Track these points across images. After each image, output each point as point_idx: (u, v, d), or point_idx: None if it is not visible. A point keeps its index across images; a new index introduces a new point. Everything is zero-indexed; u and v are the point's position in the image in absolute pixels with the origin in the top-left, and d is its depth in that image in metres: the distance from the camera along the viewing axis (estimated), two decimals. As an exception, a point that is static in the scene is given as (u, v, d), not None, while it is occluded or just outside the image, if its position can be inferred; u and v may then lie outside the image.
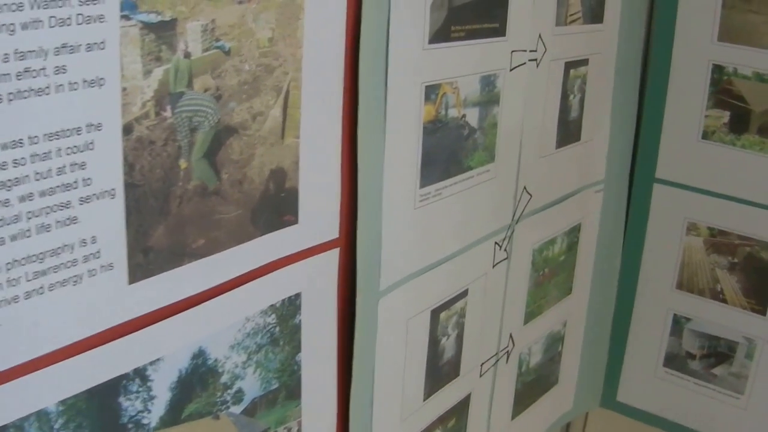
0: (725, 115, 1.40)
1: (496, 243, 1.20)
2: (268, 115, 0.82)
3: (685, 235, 1.48)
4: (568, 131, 1.32)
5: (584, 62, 1.32)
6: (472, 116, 1.08)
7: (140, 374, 0.77)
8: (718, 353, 1.50)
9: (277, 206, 0.86)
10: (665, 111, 1.44)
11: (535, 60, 1.18)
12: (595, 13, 1.31)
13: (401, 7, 0.90)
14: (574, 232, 1.42)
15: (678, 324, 1.52)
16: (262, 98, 0.81)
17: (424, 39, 0.95)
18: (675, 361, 1.54)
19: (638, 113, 1.47)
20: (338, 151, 0.90)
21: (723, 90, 1.39)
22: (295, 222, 0.88)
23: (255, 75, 0.79)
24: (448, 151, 1.05)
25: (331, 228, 0.93)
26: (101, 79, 0.66)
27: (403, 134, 0.96)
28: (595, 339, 1.55)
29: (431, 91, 0.99)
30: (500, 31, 1.09)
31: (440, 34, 0.98)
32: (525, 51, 1.15)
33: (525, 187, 1.24)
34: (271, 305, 0.88)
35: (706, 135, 1.42)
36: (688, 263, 1.49)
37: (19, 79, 0.60)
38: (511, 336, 1.31)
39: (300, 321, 0.92)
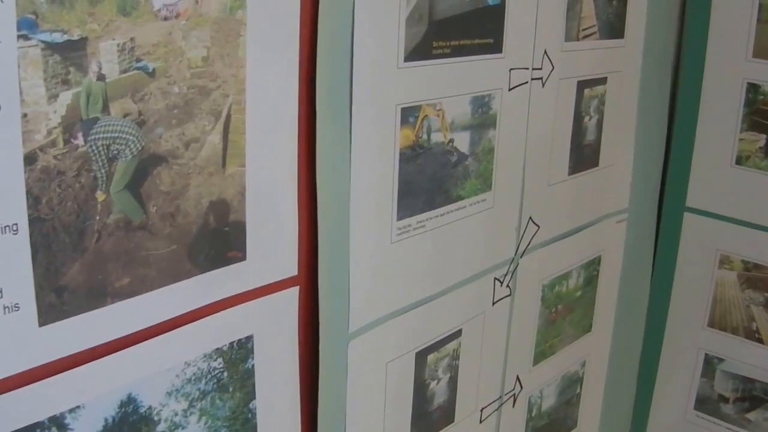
0: (761, 139, 1.28)
1: (496, 279, 1.11)
2: (205, 141, 0.74)
3: (717, 268, 1.37)
4: (584, 156, 1.21)
5: (602, 81, 1.21)
6: (462, 141, 0.98)
7: (57, 423, 0.70)
8: (753, 397, 1.38)
9: (219, 241, 0.78)
10: (696, 134, 1.33)
11: (540, 79, 1.08)
12: (613, 28, 1.20)
13: (368, 22, 0.82)
14: (593, 265, 1.31)
15: (710, 364, 1.41)
16: (196, 123, 0.73)
17: (398, 56, 0.87)
18: (706, 404, 1.43)
19: (667, 136, 1.35)
20: (294, 181, 0.82)
21: (758, 111, 1.27)
22: (243, 258, 0.80)
23: (187, 98, 0.71)
24: (432, 179, 0.95)
25: (287, 265, 0.85)
26: (-5, 104, 0.59)
27: (374, 161, 0.87)
28: (619, 380, 1.44)
29: (409, 114, 0.90)
30: (496, 48, 0.99)
31: (419, 51, 0.89)
32: (527, 69, 1.05)
33: (531, 218, 1.14)
34: (217, 349, 0.81)
35: (740, 160, 1.31)
36: (720, 299, 1.38)
37: None
38: (518, 378, 1.21)
39: (253, 365, 0.84)
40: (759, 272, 1.32)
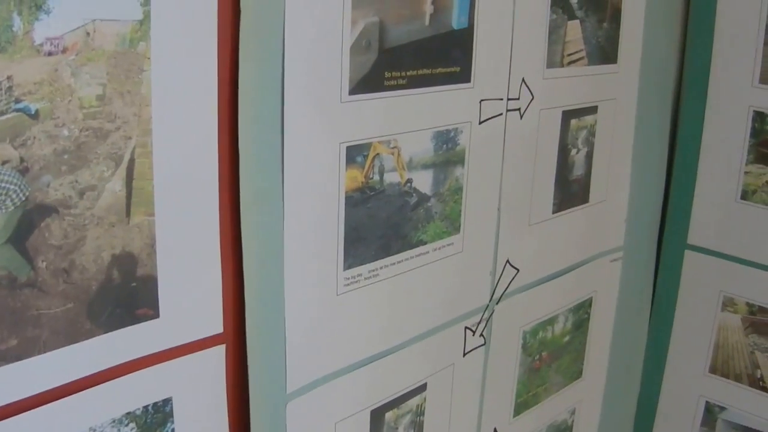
0: (768, 172, 1.17)
1: (467, 328, 1.01)
2: (103, 189, 0.66)
3: (720, 311, 1.27)
4: (571, 192, 1.12)
5: (591, 110, 1.11)
6: (423, 181, 0.89)
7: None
8: (756, 449, 1.28)
9: (126, 298, 0.70)
10: (698, 166, 1.23)
11: (518, 110, 0.99)
12: (604, 53, 1.10)
13: (302, 51, 0.73)
14: (583, 308, 1.21)
15: (711, 413, 1.32)
16: (92, 169, 0.65)
17: (341, 89, 0.77)
18: (707, 456, 1.32)
19: (667, 168, 1.25)
20: (215, 230, 0.74)
21: (765, 141, 1.18)
22: (155, 316, 0.72)
23: (79, 142, 0.63)
24: (387, 224, 0.86)
25: (210, 321, 0.76)
26: None
27: (313, 207, 0.79)
28: (614, 428, 1.33)
29: (357, 153, 0.81)
30: (463, 77, 0.90)
31: (368, 83, 0.80)
32: (501, 100, 0.95)
33: (508, 261, 1.04)
34: (128, 413, 0.72)
35: (745, 195, 1.21)
36: (723, 344, 1.28)
37: None
38: (495, 431, 1.11)
39: (173, 430, 0.75)
40: (765, 316, 1.23)
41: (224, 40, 0.70)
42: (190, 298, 0.74)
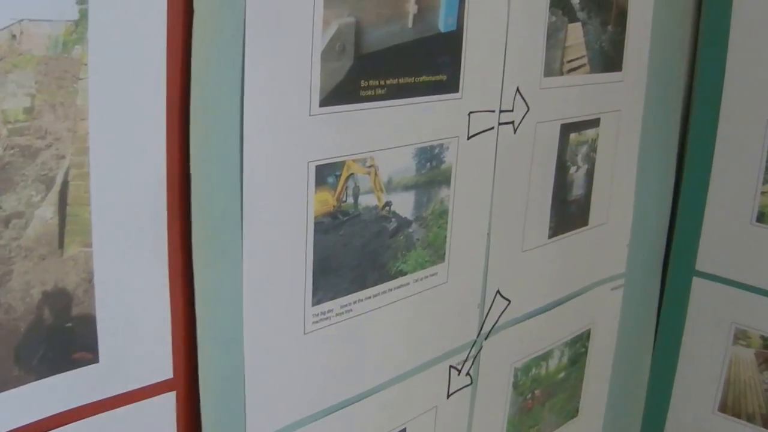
0: (787, 192, 1.14)
1: (452, 367, 0.96)
2: (32, 216, 0.60)
3: (731, 344, 1.24)
4: (569, 214, 1.07)
5: (593, 123, 1.06)
6: (403, 204, 0.84)
7: None
8: (770, 497, 1.25)
9: (60, 341, 0.65)
10: (709, 185, 1.18)
11: (512, 123, 0.94)
12: (609, 59, 1.05)
13: (264, 57, 0.68)
14: (580, 341, 1.16)
15: (720, 456, 1.27)
16: (18, 194, 0.59)
17: (310, 100, 0.72)
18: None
19: (675, 187, 1.20)
20: (164, 263, 0.68)
21: (784, 158, 1.13)
22: (94, 360, 0.67)
23: (3, 162, 0.58)
24: (362, 253, 0.81)
25: (159, 366, 0.71)
26: None
27: (276, 234, 0.74)
28: (612, 472, 1.29)
29: (328, 173, 0.76)
30: (450, 86, 0.85)
31: (342, 93, 0.75)
32: (492, 112, 0.90)
33: (499, 291, 0.99)
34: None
35: (761, 217, 1.18)
36: (734, 380, 1.25)
37: None
38: (482, 478, 1.06)
39: (116, 485, 0.70)
40: (780, 351, 1.18)
41: (174, 44, 0.65)
42: (134, 340, 0.69)
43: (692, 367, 1.26)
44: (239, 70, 0.67)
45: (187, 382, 0.73)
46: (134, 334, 0.69)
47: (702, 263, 1.21)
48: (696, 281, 1.22)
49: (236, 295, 0.72)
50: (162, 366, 0.72)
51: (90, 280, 0.65)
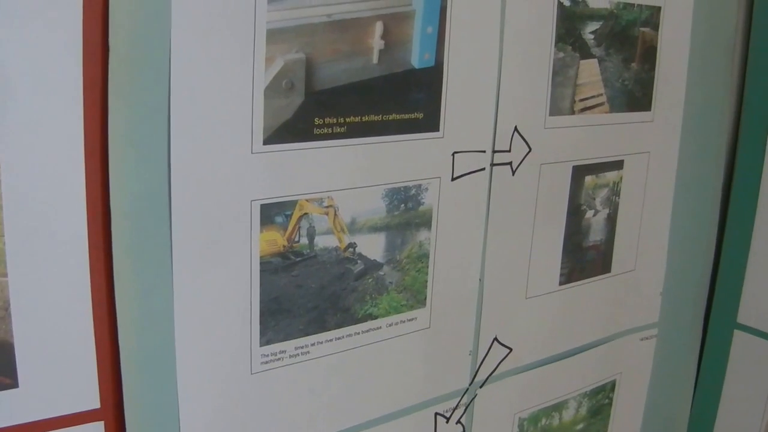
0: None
1: (438, 414, 0.91)
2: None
3: (775, 400, 1.12)
4: (586, 260, 1.00)
5: (615, 165, 0.99)
6: (371, 246, 0.80)
7: None
8: None
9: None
10: (753, 232, 1.08)
11: (509, 164, 0.88)
12: (634, 98, 0.98)
13: (192, 93, 0.65)
14: (603, 392, 1.08)
15: None
16: None
17: (251, 138, 0.69)
18: None
19: (717, 235, 1.11)
20: (86, 289, 0.66)
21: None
22: (14, 385, 0.66)
23: None
24: (320, 294, 0.77)
25: (84, 395, 0.69)
26: None
27: (214, 271, 0.70)
28: None
29: (276, 212, 0.72)
30: (427, 125, 0.80)
31: (291, 131, 0.71)
32: (483, 152, 0.85)
33: (496, 338, 0.93)
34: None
35: (807, 272, 1.06)
36: (775, 438, 1.14)
37: None
38: None
39: None
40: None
41: (93, 68, 0.62)
42: (56, 368, 0.68)
43: (731, 422, 1.17)
44: (165, 111, 0.64)
45: (117, 414, 0.71)
46: (56, 361, 0.67)
47: (744, 316, 1.12)
48: (737, 334, 1.13)
49: (167, 329, 0.69)
50: (87, 395, 0.70)
51: (6, 308, 0.64)
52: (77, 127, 0.64)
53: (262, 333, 0.76)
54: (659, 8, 0.99)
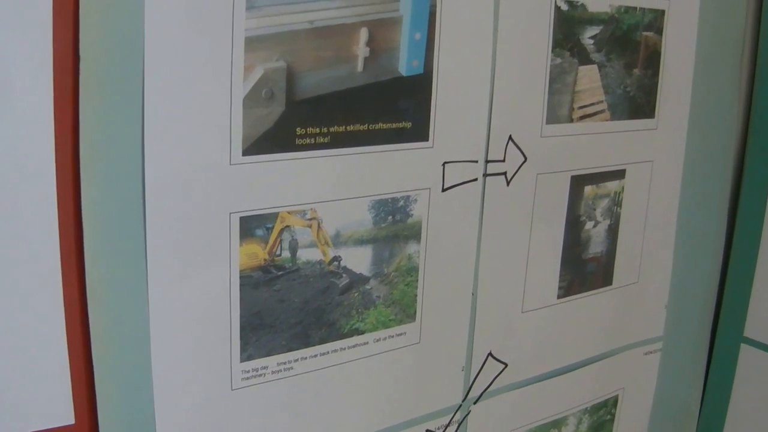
0: None
1: (428, 431, 0.88)
2: None
3: (779, 414, 1.10)
4: (586, 273, 0.97)
5: (616, 175, 0.96)
6: (357, 259, 0.77)
7: None
8: None
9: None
10: (761, 244, 1.05)
11: (503, 174, 0.85)
12: (636, 105, 0.95)
13: (167, 103, 0.63)
14: (605, 408, 1.05)
15: None
16: None
17: (230, 149, 0.67)
18: None
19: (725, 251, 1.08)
20: (59, 303, 0.64)
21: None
22: (-13, 399, 0.64)
23: None
24: (304, 309, 0.75)
25: (57, 410, 0.68)
26: None
27: (189, 285, 0.68)
28: None
29: (256, 225, 0.70)
30: (416, 134, 0.78)
31: (271, 141, 0.69)
32: (475, 162, 0.82)
33: (491, 354, 0.90)
34: None
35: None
36: (782, 451, 1.11)
37: None
38: None
39: None
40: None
41: (64, 78, 0.60)
42: (29, 382, 0.66)
43: (740, 438, 1.13)
44: (139, 121, 0.62)
45: (93, 430, 0.69)
46: (29, 376, 0.66)
47: (750, 330, 1.09)
48: (744, 348, 1.10)
49: (143, 344, 0.67)
50: (61, 410, 0.69)
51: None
52: (48, 139, 0.62)
53: (243, 348, 0.73)
54: (663, 12, 0.96)
